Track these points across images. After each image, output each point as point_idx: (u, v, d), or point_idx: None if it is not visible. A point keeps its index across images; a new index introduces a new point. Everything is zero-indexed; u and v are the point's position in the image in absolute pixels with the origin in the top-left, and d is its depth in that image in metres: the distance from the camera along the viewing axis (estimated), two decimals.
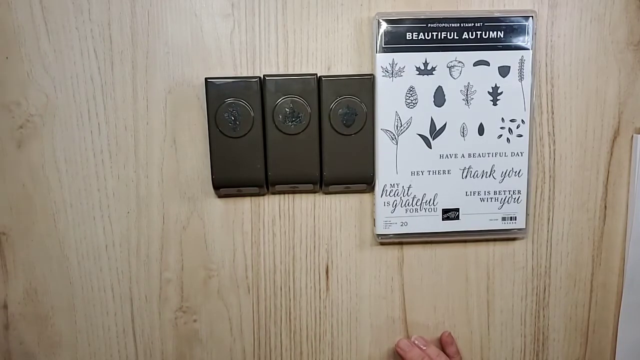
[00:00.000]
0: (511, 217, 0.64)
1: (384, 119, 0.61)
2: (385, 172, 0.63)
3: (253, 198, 0.64)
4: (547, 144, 0.65)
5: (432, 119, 0.62)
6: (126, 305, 0.65)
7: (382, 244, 0.66)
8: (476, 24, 0.60)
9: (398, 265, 0.67)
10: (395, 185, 0.63)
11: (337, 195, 0.65)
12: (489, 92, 0.62)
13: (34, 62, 0.60)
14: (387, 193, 0.63)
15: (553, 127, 0.65)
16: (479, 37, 0.61)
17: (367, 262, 0.66)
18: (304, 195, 0.65)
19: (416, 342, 0.66)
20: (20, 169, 0.62)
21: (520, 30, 0.61)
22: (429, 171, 0.63)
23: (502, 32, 0.61)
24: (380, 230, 0.64)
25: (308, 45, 0.61)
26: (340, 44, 0.62)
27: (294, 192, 0.64)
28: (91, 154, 0.62)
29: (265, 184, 0.62)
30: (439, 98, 0.62)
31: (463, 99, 0.62)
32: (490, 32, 0.61)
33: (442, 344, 0.67)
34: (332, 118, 0.60)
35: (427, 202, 0.63)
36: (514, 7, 0.62)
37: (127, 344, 0.66)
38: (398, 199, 0.63)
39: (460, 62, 0.61)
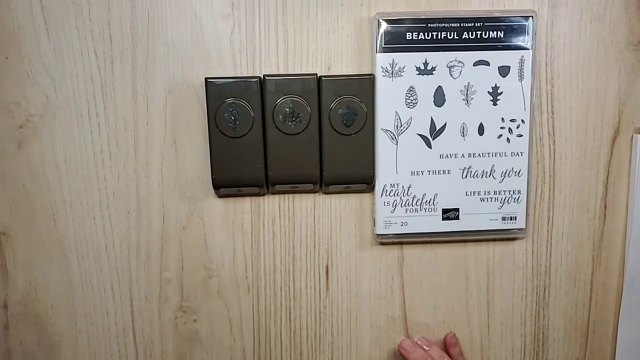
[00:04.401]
0: (511, 217, 0.64)
1: (383, 119, 0.61)
2: (385, 172, 0.63)
3: (253, 198, 0.64)
4: (547, 144, 0.65)
5: (432, 119, 0.62)
6: (126, 305, 0.65)
7: (382, 244, 0.66)
8: (476, 24, 0.60)
9: (398, 265, 0.67)
10: (395, 185, 0.63)
11: (337, 195, 0.65)
12: (489, 92, 0.62)
13: (34, 62, 0.60)
14: (387, 193, 0.63)
15: (553, 127, 0.65)
16: (479, 37, 0.61)
17: (367, 262, 0.66)
18: (304, 195, 0.65)
19: (419, 342, 0.66)
20: (20, 169, 0.62)
21: (520, 30, 0.61)
22: (429, 171, 0.63)
23: (502, 32, 0.61)
24: (380, 230, 0.64)
25: (308, 45, 0.61)
26: (340, 43, 0.61)
27: (294, 192, 0.64)
28: (91, 154, 0.62)
29: (265, 184, 0.62)
30: (439, 98, 0.62)
31: (463, 99, 0.62)
32: (490, 32, 0.61)
33: (446, 345, 0.67)
34: (332, 118, 0.60)
35: (427, 202, 0.63)
36: (514, 7, 0.62)
37: (127, 344, 0.66)
38: (398, 199, 0.63)
39: (460, 62, 0.61)
